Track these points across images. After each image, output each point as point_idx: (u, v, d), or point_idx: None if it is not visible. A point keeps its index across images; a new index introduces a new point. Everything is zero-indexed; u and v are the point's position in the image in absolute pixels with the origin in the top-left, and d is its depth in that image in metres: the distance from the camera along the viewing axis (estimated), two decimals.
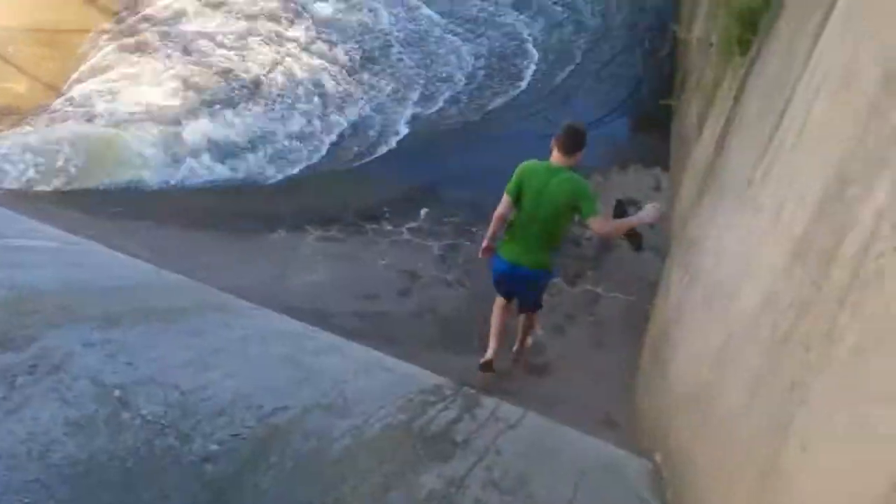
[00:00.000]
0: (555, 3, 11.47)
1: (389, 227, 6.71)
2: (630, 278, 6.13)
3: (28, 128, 7.63)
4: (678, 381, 3.54)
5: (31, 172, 7.02)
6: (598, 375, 5.04)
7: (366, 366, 3.25)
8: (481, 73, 9.83)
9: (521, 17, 10.98)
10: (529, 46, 10.44)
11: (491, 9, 11.15)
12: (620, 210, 5.28)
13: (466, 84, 9.59)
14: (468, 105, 9.23)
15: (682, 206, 5.91)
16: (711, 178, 4.76)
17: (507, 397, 3.70)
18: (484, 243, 4.47)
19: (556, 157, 4.33)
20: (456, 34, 10.51)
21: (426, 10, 10.90)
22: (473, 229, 6.72)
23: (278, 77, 9.20)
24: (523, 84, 9.68)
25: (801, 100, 2.83)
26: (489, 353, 4.65)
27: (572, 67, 10.05)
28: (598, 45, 10.60)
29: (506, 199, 4.34)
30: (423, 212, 7.00)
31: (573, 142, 4.30)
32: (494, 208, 4.35)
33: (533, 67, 10.00)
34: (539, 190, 4.28)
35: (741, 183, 3.39)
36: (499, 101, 9.31)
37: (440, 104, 9.21)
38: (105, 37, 9.32)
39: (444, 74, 9.72)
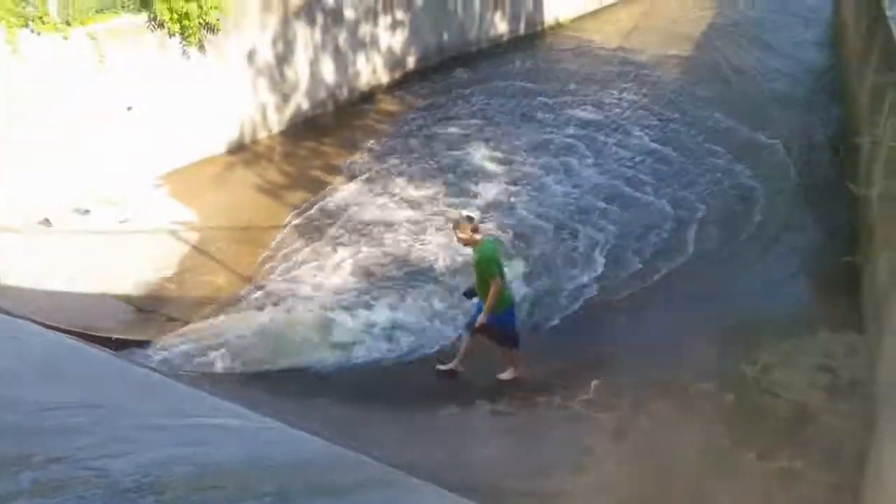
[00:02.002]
0: (717, 170, 11.44)
1: (560, 401, 6.51)
2: (832, 453, 5.45)
3: (223, 317, 8.32)
4: None
5: (224, 357, 7.58)
6: None
7: None
8: (646, 243, 9.77)
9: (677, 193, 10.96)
10: (692, 214, 10.36)
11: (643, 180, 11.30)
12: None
13: (633, 255, 9.52)
14: (633, 276, 9.09)
15: (886, 370, 5.34)
16: None
17: None
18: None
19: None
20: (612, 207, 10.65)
21: (589, 180, 11.20)
22: (648, 400, 6.39)
23: (446, 259, 9.58)
24: (689, 252, 9.49)
25: None
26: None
27: (743, 233, 9.79)
28: (768, 209, 10.29)
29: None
30: (594, 384, 6.77)
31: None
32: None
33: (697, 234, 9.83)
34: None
35: None
36: (665, 270, 9.12)
37: (605, 277, 9.14)
38: (290, 229, 10.25)
39: (609, 247, 9.73)
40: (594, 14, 19.56)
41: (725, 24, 18.37)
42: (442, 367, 7.22)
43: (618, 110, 13.98)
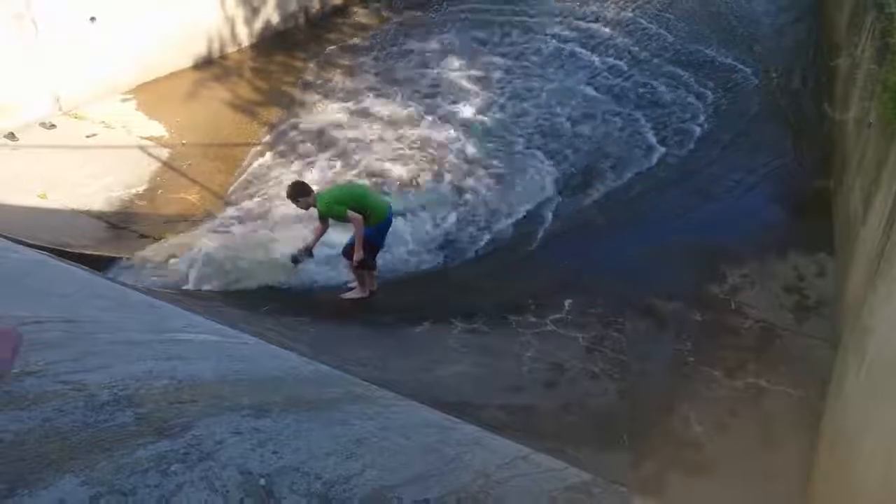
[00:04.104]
0: (693, 90, 11.39)
1: (533, 319, 6.61)
2: (797, 370, 5.66)
3: (198, 234, 8.25)
4: (862, 488, 3.15)
5: (199, 274, 7.56)
6: (767, 477, 4.62)
7: (510, 460, 3.13)
8: (621, 161, 9.77)
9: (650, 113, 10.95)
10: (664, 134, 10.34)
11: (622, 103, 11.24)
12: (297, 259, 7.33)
13: (608, 173, 9.54)
14: (609, 194, 9.13)
15: (852, 292, 5.47)
16: (883, 261, 4.39)
17: (664, 498, 3.45)
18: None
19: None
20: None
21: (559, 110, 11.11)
22: (620, 319, 6.51)
23: (426, 177, 9.53)
24: (665, 171, 9.52)
25: None
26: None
27: (718, 152, 9.81)
28: (746, 130, 10.31)
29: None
30: (568, 303, 6.87)
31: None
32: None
33: (682, 152, 9.85)
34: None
35: None
36: (640, 188, 9.18)
37: (579, 195, 9.18)
38: (263, 147, 10.10)
39: (584, 164, 9.74)
40: None
41: None
42: (347, 296, 7.40)
43: (600, 26, 13.71)
